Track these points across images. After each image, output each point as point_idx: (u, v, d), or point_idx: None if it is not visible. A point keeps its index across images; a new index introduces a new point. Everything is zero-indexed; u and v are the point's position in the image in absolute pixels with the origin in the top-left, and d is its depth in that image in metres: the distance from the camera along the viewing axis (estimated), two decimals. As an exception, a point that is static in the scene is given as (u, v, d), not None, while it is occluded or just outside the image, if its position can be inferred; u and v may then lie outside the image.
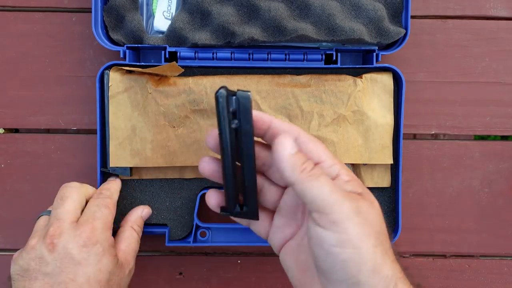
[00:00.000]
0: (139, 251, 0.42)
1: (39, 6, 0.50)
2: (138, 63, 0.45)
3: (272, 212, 0.36)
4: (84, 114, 0.50)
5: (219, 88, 0.30)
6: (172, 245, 0.46)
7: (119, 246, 0.40)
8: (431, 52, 0.51)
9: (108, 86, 0.44)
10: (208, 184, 0.48)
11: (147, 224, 0.47)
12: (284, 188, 0.36)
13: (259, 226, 0.36)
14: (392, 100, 0.46)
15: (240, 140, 0.31)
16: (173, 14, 0.47)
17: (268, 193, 0.36)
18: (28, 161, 0.50)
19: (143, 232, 0.45)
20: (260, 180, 0.35)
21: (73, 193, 0.39)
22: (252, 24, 0.45)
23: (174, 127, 0.45)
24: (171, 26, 0.46)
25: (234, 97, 0.31)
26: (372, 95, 0.46)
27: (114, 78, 0.44)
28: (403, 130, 0.46)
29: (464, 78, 0.51)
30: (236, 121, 0.31)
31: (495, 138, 0.53)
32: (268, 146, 0.34)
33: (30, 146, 0.50)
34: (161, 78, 0.45)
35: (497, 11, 0.51)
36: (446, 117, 0.51)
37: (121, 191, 0.45)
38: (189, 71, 0.46)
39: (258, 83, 0.45)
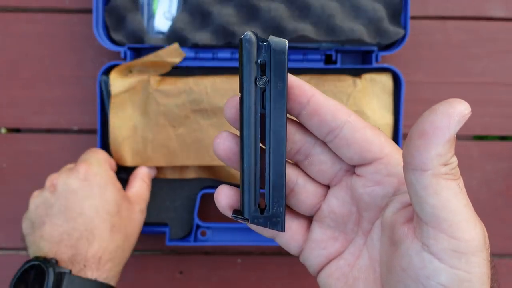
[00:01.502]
0: (140, 250, 0.43)
1: (40, 6, 0.50)
2: (139, 59, 0.45)
3: (307, 219, 0.27)
4: (85, 114, 0.50)
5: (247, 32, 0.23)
6: (173, 244, 0.47)
7: (129, 189, 0.42)
8: (430, 53, 0.51)
9: (107, 91, 0.45)
10: (209, 183, 0.48)
11: (147, 223, 0.47)
12: (327, 187, 0.26)
13: (289, 239, 0.26)
14: (391, 100, 0.46)
15: (268, 110, 0.23)
16: (174, 14, 0.47)
17: (303, 193, 0.26)
18: (29, 161, 0.50)
19: (143, 232, 0.45)
20: (292, 174, 0.25)
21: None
22: (252, 24, 0.46)
23: (174, 126, 0.45)
24: (171, 26, 0.46)
25: (264, 44, 0.23)
26: (372, 95, 0.46)
27: (115, 78, 0.44)
28: (402, 130, 0.46)
29: (463, 78, 0.51)
30: (264, 78, 0.23)
31: (493, 138, 0.53)
32: (304, 128, 0.25)
33: (31, 146, 0.50)
34: (162, 78, 0.45)
35: (496, 12, 0.51)
36: (445, 117, 0.51)
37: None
38: (189, 71, 0.46)
39: (258, 83, 0.45)
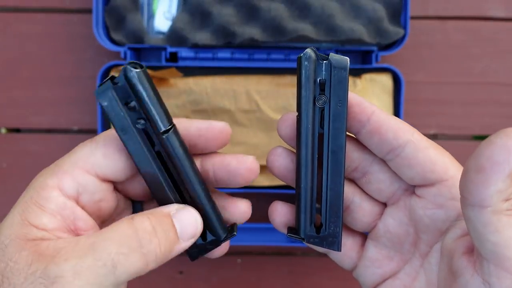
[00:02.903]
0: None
1: (40, 6, 0.50)
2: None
3: (362, 236, 0.26)
4: (85, 114, 0.50)
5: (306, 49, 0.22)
6: (173, 244, 0.47)
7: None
8: (430, 53, 0.51)
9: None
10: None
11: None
12: (384, 205, 0.25)
13: (343, 255, 0.26)
14: (391, 100, 0.46)
15: (327, 130, 0.23)
16: (174, 14, 0.47)
17: (359, 211, 0.25)
18: (29, 161, 0.50)
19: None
20: (348, 191, 0.25)
21: None
22: (252, 24, 0.46)
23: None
24: (171, 26, 0.46)
25: (324, 63, 0.22)
26: (372, 95, 0.46)
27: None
28: (402, 130, 0.46)
29: (463, 78, 0.51)
30: (324, 98, 0.22)
31: (494, 138, 0.53)
32: (362, 145, 0.24)
33: (31, 146, 0.50)
34: (161, 79, 0.45)
35: (495, 12, 0.51)
36: (445, 117, 0.51)
37: None
38: (189, 71, 0.46)
39: (258, 83, 0.45)
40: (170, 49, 0.46)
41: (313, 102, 0.22)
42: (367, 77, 0.46)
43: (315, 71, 0.22)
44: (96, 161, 0.22)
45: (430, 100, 0.51)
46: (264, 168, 0.46)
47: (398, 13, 0.46)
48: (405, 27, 0.46)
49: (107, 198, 0.23)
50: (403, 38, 0.46)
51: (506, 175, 0.17)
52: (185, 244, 0.22)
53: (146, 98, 0.20)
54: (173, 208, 0.22)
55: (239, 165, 0.23)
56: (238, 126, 0.45)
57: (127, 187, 0.24)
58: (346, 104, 0.22)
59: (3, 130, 0.51)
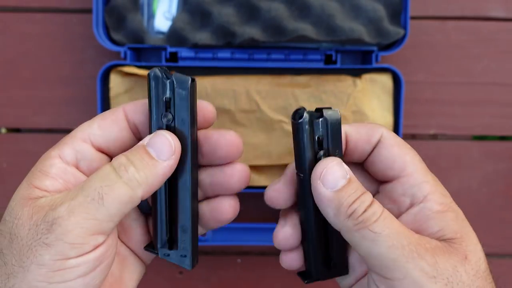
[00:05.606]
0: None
1: (40, 6, 0.50)
2: (138, 63, 0.45)
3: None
4: (85, 114, 0.50)
5: (297, 109, 0.23)
6: (173, 244, 0.47)
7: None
8: (430, 53, 0.51)
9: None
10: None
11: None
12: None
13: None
14: (391, 100, 0.46)
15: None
16: (174, 14, 0.47)
17: None
18: (29, 161, 0.50)
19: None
20: None
21: None
22: (253, 24, 0.46)
23: (174, 127, 0.45)
24: (171, 26, 0.46)
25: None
26: (372, 95, 0.46)
27: (115, 80, 0.44)
28: (402, 130, 0.46)
29: (463, 78, 0.51)
30: (322, 152, 0.23)
31: (493, 138, 0.53)
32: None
33: (31, 146, 0.50)
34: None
35: (496, 12, 0.51)
36: (445, 117, 0.51)
37: None
38: (189, 72, 0.46)
39: (258, 83, 0.45)
40: (170, 49, 0.46)
41: (315, 158, 0.23)
42: (367, 77, 0.46)
43: (312, 129, 0.23)
44: (92, 131, 0.25)
45: (430, 100, 0.51)
46: (263, 168, 0.46)
47: (398, 13, 0.46)
48: (405, 27, 0.46)
49: None
50: (403, 38, 0.46)
51: (333, 205, 0.21)
52: (167, 162, 0.23)
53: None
54: (146, 139, 0.24)
55: (220, 137, 0.25)
56: (238, 126, 0.45)
57: None
58: (341, 151, 0.24)
59: (3, 130, 0.51)
